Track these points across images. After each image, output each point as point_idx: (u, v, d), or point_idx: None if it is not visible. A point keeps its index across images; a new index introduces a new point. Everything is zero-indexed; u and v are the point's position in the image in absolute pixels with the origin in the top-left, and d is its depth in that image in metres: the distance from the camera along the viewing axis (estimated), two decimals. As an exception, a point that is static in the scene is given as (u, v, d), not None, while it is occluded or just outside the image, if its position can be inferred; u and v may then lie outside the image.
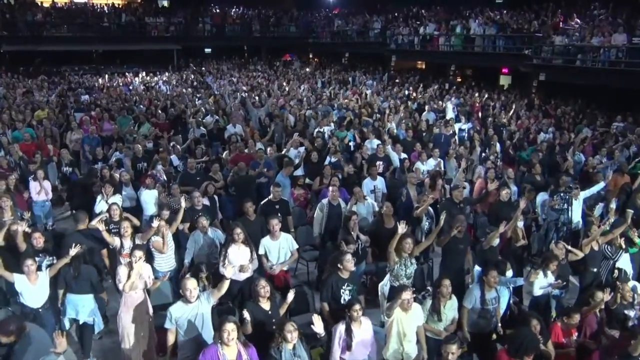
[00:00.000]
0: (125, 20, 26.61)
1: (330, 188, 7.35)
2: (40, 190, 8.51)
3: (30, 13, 25.44)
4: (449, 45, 21.40)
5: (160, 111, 13.45)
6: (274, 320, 4.67)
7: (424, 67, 29.04)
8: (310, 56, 32.05)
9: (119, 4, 29.44)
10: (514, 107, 15.68)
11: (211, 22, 28.74)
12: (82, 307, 5.56)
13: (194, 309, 4.56)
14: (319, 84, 21.93)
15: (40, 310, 5.29)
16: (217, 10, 31.01)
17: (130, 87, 19.29)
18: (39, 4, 27.21)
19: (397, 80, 23.28)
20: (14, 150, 9.95)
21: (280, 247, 6.02)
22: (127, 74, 22.92)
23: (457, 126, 13.29)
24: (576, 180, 8.69)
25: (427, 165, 9.69)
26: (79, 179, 9.18)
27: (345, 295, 5.17)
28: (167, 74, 23.74)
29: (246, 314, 4.50)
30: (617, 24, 15.88)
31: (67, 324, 5.72)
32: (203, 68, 25.64)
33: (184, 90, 18.38)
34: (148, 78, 21.75)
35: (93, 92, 18.13)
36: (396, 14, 26.88)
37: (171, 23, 27.78)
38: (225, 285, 4.63)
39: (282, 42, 31.26)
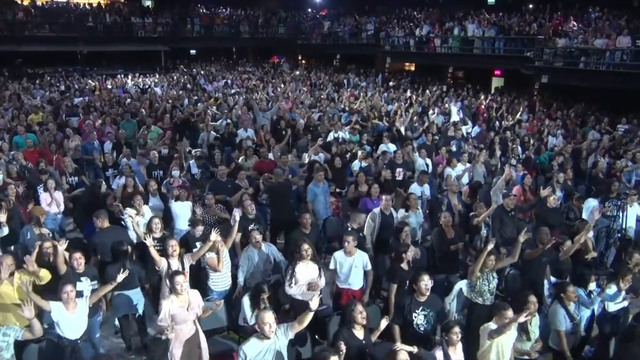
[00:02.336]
0: (110, 20, 25.69)
1: (384, 197, 6.95)
2: (52, 202, 7.82)
3: (10, 12, 24.33)
4: (447, 47, 21.25)
5: (166, 115, 12.91)
6: (367, 350, 4.25)
7: (413, 68, 29.00)
8: (299, 58, 31.63)
9: (102, 3, 28.43)
10: (520, 110, 15.60)
11: (199, 23, 27.99)
12: (138, 300, 5.59)
13: (271, 345, 4.08)
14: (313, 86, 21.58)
15: (78, 342, 4.74)
16: (204, 11, 30.29)
17: (124, 90, 18.50)
18: (18, 3, 26.10)
19: (391, 83, 23.11)
20: (18, 158, 9.31)
21: (353, 265, 5.59)
22: (119, 76, 22.01)
23: (463, 129, 13.08)
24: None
25: (456, 171, 9.44)
26: (84, 193, 8.48)
27: (419, 321, 4.78)
28: (157, 75, 22.98)
29: (342, 345, 4.08)
30: (620, 27, 16.01)
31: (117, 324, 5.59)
32: (194, 70, 24.92)
33: (180, 92, 17.81)
34: (141, 80, 20.98)
35: (85, 94, 17.31)
36: (388, 16, 26.64)
37: (158, 23, 26.95)
38: (309, 317, 4.19)
39: (271, 43, 30.75)
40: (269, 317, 4.06)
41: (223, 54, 30.00)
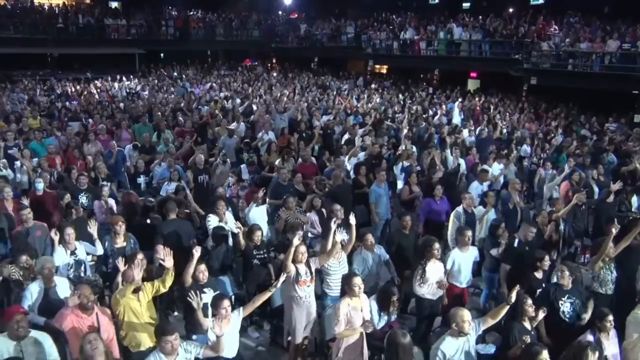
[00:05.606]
0: (83, 21, 24.51)
1: (467, 195, 7.01)
2: (106, 210, 7.44)
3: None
4: (432, 49, 21.65)
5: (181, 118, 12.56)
6: (536, 341, 4.29)
7: (384, 71, 29.37)
8: (273, 61, 31.35)
9: (67, 4, 27.10)
10: (518, 111, 16.14)
11: (174, 26, 27.22)
12: (228, 285, 5.65)
13: (465, 343, 4.07)
14: (298, 89, 21.43)
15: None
16: (175, 13, 29.51)
17: (111, 94, 17.74)
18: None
19: (373, 85, 23.32)
20: (44, 165, 8.72)
21: (469, 261, 5.59)
22: (101, 79, 20.99)
23: (465, 132, 13.36)
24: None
25: (493, 170, 9.64)
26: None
27: (565, 308, 4.88)
28: (136, 79, 22.17)
29: (527, 338, 4.13)
30: (605, 31, 16.91)
31: None
32: (175, 74, 24.19)
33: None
34: (127, 83, 20.17)
35: (72, 99, 16.47)
36: (367, 19, 26.87)
37: (131, 26, 26.00)
38: (504, 311, 4.23)
39: (245, 46, 30.35)
40: (467, 314, 4.04)
41: (196, 57, 29.24)
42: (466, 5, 26.04)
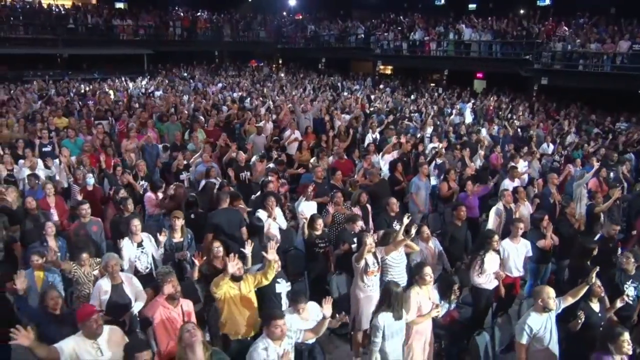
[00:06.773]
0: (91, 22, 24.57)
1: (505, 192, 7.23)
2: (157, 203, 7.60)
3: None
4: (442, 50, 21.87)
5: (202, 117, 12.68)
6: (602, 323, 4.52)
7: (388, 72, 29.62)
8: (280, 62, 31.52)
9: (75, 5, 27.16)
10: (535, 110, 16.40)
11: (181, 26, 27.33)
12: None
13: (548, 320, 4.30)
14: (308, 89, 21.61)
15: (316, 345, 4.68)
16: (182, 14, 29.61)
17: (127, 93, 17.84)
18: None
19: (381, 86, 23.54)
20: (86, 162, 8.86)
21: (519, 252, 5.82)
22: (115, 80, 21.05)
23: (484, 130, 13.59)
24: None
25: (519, 167, 9.87)
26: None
27: (629, 292, 5.15)
28: (146, 79, 22.27)
29: (582, 315, 4.38)
30: (614, 32, 17.22)
31: None
32: (185, 74, 24.30)
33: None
34: (143, 83, 20.29)
35: (88, 98, 16.54)
36: (373, 20, 27.09)
37: (139, 26, 26.09)
38: (583, 292, 4.45)
39: (251, 46, 30.52)
40: (552, 291, 4.28)
41: (203, 57, 29.35)
42: (472, 6, 26.33)
